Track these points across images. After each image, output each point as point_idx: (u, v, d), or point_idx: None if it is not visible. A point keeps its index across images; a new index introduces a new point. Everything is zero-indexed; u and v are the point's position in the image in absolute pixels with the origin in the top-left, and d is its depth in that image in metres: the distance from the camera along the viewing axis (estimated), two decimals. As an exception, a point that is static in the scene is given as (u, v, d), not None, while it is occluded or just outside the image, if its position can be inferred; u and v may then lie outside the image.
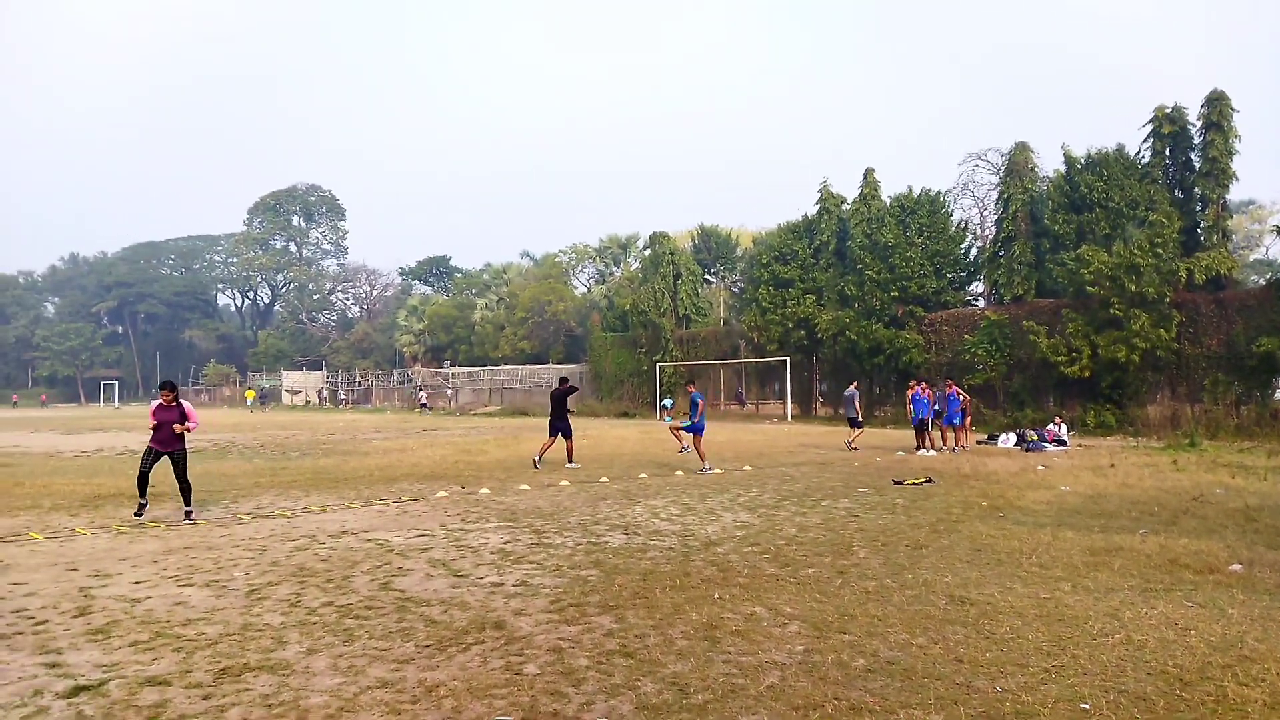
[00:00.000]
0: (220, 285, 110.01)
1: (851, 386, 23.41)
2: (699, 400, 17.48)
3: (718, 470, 16.66)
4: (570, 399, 18.46)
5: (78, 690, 4.95)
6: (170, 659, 5.52)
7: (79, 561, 8.60)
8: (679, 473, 16.61)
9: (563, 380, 19.09)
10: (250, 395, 67.69)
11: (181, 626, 6.26)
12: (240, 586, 7.52)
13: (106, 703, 4.76)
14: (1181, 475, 15.16)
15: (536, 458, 17.72)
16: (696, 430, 17.24)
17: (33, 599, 7.08)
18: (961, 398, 21.57)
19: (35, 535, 10.11)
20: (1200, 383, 26.86)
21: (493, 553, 8.94)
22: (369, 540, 9.69)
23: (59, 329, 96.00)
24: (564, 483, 14.97)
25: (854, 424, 22.50)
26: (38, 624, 6.35)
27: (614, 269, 65.51)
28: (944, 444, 21.45)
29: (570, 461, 17.65)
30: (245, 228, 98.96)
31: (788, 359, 37.86)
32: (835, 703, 4.66)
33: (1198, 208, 29.05)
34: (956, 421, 21.50)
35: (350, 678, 5.15)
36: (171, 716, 4.55)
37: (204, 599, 7.08)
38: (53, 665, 5.41)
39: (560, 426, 17.69)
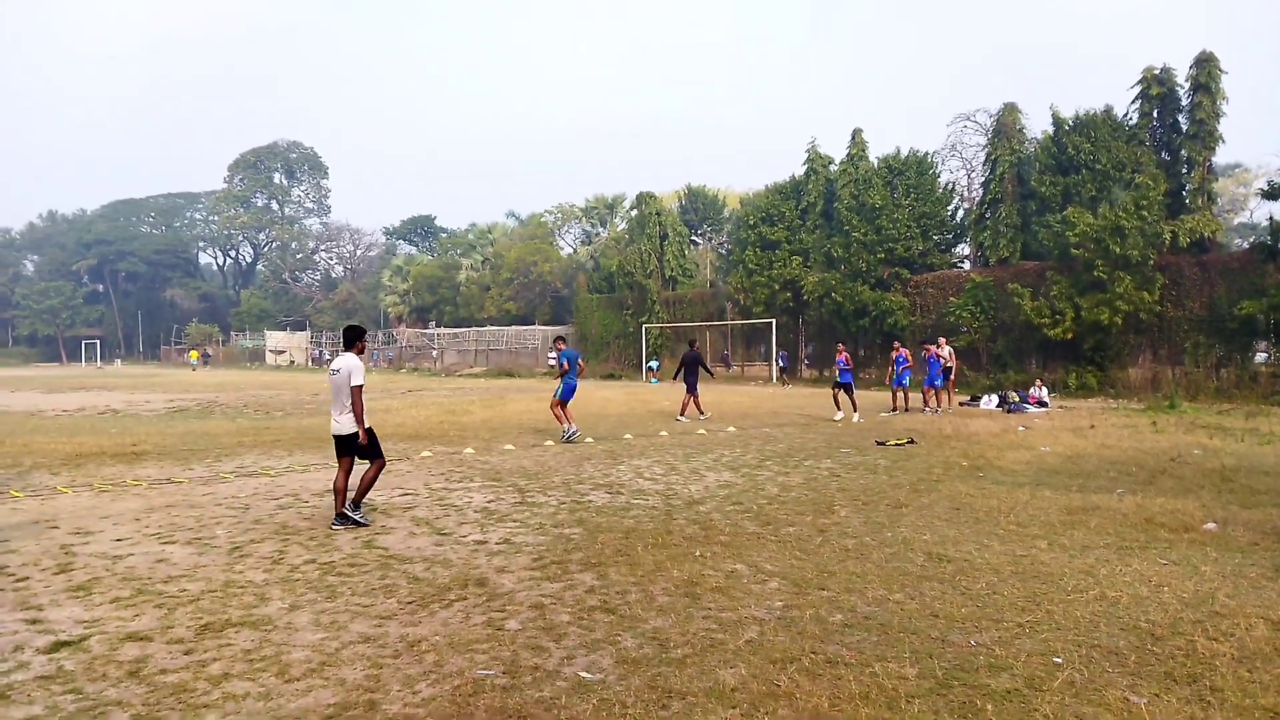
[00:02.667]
0: (201, 244, 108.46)
1: (931, 350, 23.38)
2: (565, 360, 15.98)
3: (589, 441, 15.22)
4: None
5: (58, 646, 4.96)
6: (151, 615, 5.53)
7: (60, 519, 8.58)
8: (663, 433, 16.67)
9: (692, 344, 21.37)
10: (194, 356, 72.82)
11: (163, 583, 6.27)
12: (223, 544, 7.52)
13: (87, 658, 4.77)
14: (1160, 436, 15.33)
15: (699, 414, 19.87)
16: (565, 393, 15.63)
17: (13, 556, 7.07)
18: (942, 359, 21.62)
19: (16, 493, 10.07)
20: (1181, 345, 27.05)
21: (476, 511, 8.97)
22: (352, 499, 9.69)
23: (39, 288, 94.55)
24: (548, 443, 15.00)
25: (931, 384, 22.51)
26: (18, 581, 6.34)
27: (600, 229, 65.08)
28: (925, 405, 21.52)
29: (681, 415, 19.79)
30: (226, 185, 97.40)
31: (773, 321, 37.88)
32: (812, 656, 4.72)
33: (1184, 170, 29.03)
34: (938, 384, 21.57)
35: (332, 633, 5.18)
36: (152, 671, 4.57)
37: (186, 556, 7.09)
38: (34, 621, 5.41)
39: (690, 383, 19.94)
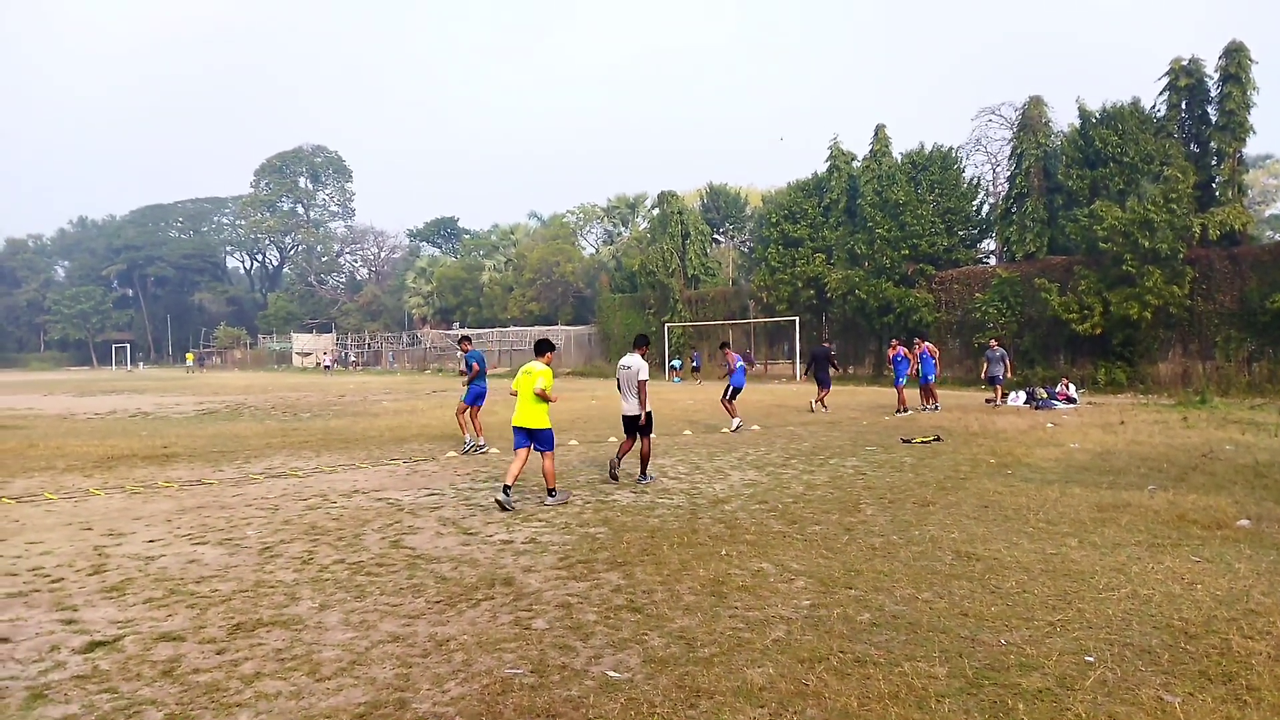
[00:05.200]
0: (228, 248, 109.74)
1: (999, 346, 22.93)
2: (473, 361, 14.68)
3: (495, 450, 14.04)
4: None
5: (94, 646, 5.03)
6: (184, 615, 5.60)
7: (93, 521, 8.71)
8: (686, 432, 16.65)
9: (825, 341, 22.20)
10: (190, 358, 78.98)
11: (195, 584, 6.34)
12: (253, 544, 7.60)
13: (122, 658, 4.84)
14: (1191, 432, 15.12)
15: (812, 403, 21.05)
16: (473, 398, 14.40)
17: (48, 558, 7.19)
18: (934, 355, 21.48)
19: (50, 495, 10.23)
20: (1212, 340, 26.65)
21: (502, 511, 9.01)
22: (380, 499, 9.78)
23: (69, 293, 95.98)
24: (573, 442, 15.04)
25: (994, 381, 22.31)
26: (54, 582, 6.44)
27: (622, 229, 65.12)
28: (925, 404, 21.21)
29: (815, 406, 20.93)
30: (252, 190, 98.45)
31: (797, 319, 37.71)
32: (840, 655, 4.70)
33: (1213, 162, 28.58)
34: (930, 379, 21.34)
35: (362, 632, 5.22)
36: (186, 671, 4.63)
37: (217, 557, 7.17)
38: (69, 622, 5.49)
39: (822, 378, 21.01)
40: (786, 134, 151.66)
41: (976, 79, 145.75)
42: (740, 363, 17.90)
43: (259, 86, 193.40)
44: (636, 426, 10.73)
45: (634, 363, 10.73)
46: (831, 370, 22.28)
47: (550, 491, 9.53)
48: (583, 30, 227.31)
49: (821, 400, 20.96)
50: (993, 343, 23.47)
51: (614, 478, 10.82)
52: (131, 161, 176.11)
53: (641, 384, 10.62)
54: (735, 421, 16.93)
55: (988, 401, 22.60)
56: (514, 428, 9.53)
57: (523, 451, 9.45)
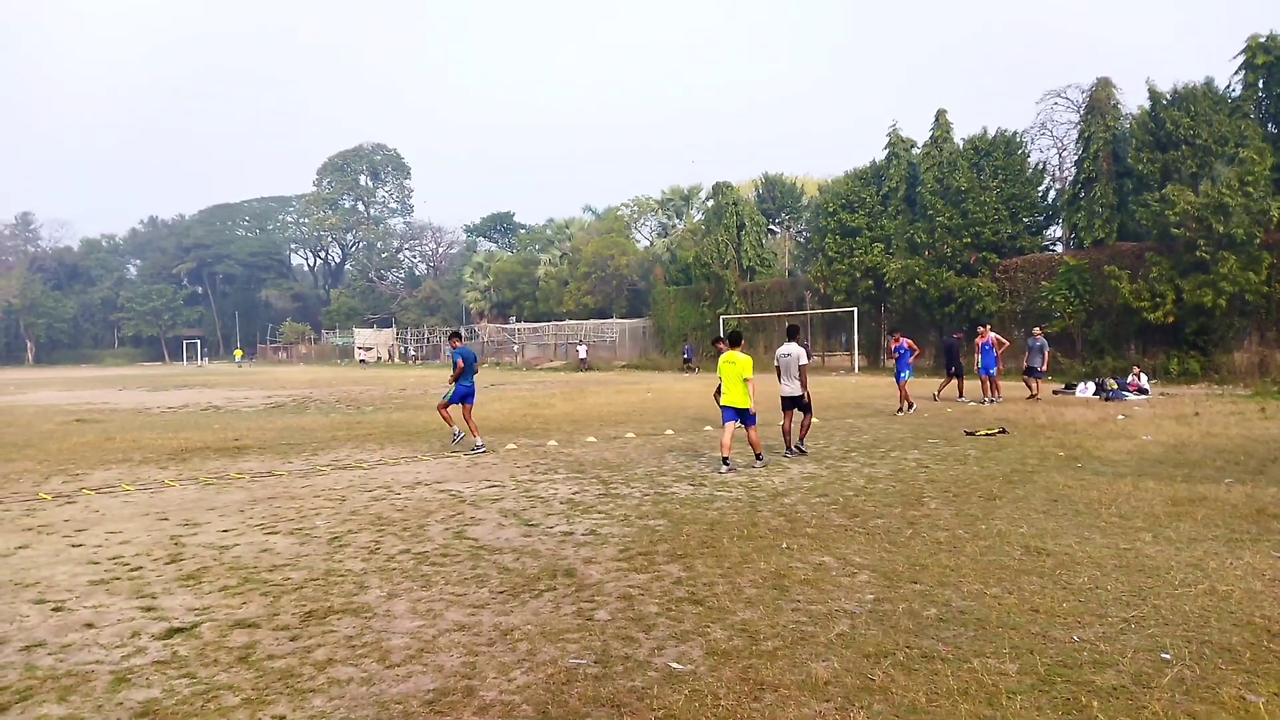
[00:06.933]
0: (293, 245, 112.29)
1: (1041, 336, 22.11)
2: (458, 359, 13.93)
3: (483, 449, 13.23)
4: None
5: (172, 632, 5.20)
6: (258, 603, 5.75)
7: (169, 511, 9.00)
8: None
9: (955, 334, 22.28)
10: (239, 354, 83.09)
11: (268, 572, 6.52)
12: (322, 534, 7.78)
13: (199, 644, 4.99)
14: (1270, 423, 14.57)
15: (936, 393, 21.41)
16: (459, 397, 13.87)
17: (127, 547, 7.44)
18: (999, 346, 20.91)
19: (128, 487, 10.59)
20: (1291, 328, 25.66)
21: (562, 503, 9.07)
22: (442, 491, 9.93)
23: (141, 290, 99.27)
24: (629, 435, 15.07)
25: (1035, 374, 21.58)
26: (133, 570, 6.67)
27: (676, 221, 64.98)
28: (985, 396, 20.73)
29: (961, 397, 20.95)
30: (315, 188, 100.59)
31: (855, 310, 37.28)
32: (907, 651, 4.64)
33: (1293, 143, 27.47)
34: (992, 371, 20.81)
35: (429, 621, 5.31)
36: (261, 657, 4.76)
37: (288, 546, 7.35)
38: (148, 609, 5.68)
39: (954, 369, 21.11)
40: (842, 120, 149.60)
41: (1041, 62, 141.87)
42: None
43: (319, 84, 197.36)
44: (798, 404, 12.19)
45: (794, 350, 12.13)
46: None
47: (758, 456, 11.35)
48: (637, 22, 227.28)
49: (957, 388, 21.11)
50: (1035, 331, 22.76)
51: (800, 451, 12.31)
52: (198, 161, 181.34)
53: (803, 368, 12.06)
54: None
55: (1032, 397, 21.60)
56: (723, 406, 11.17)
57: (730, 425, 11.08)
